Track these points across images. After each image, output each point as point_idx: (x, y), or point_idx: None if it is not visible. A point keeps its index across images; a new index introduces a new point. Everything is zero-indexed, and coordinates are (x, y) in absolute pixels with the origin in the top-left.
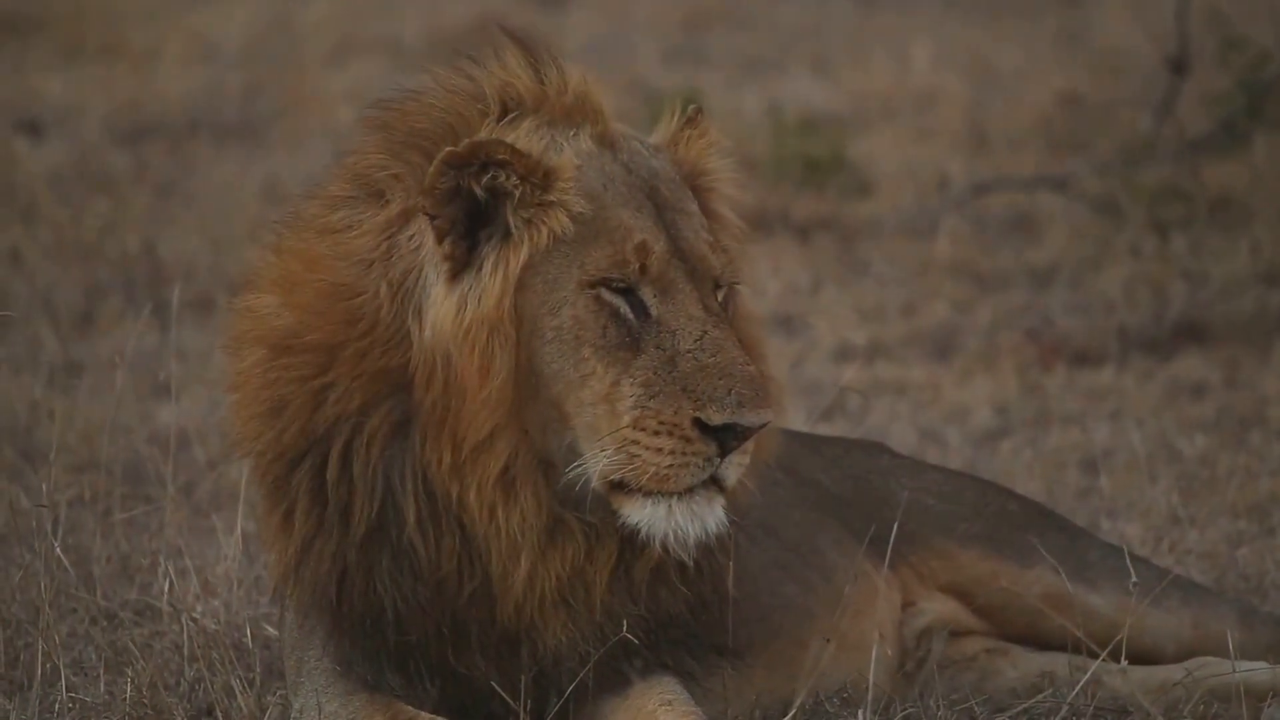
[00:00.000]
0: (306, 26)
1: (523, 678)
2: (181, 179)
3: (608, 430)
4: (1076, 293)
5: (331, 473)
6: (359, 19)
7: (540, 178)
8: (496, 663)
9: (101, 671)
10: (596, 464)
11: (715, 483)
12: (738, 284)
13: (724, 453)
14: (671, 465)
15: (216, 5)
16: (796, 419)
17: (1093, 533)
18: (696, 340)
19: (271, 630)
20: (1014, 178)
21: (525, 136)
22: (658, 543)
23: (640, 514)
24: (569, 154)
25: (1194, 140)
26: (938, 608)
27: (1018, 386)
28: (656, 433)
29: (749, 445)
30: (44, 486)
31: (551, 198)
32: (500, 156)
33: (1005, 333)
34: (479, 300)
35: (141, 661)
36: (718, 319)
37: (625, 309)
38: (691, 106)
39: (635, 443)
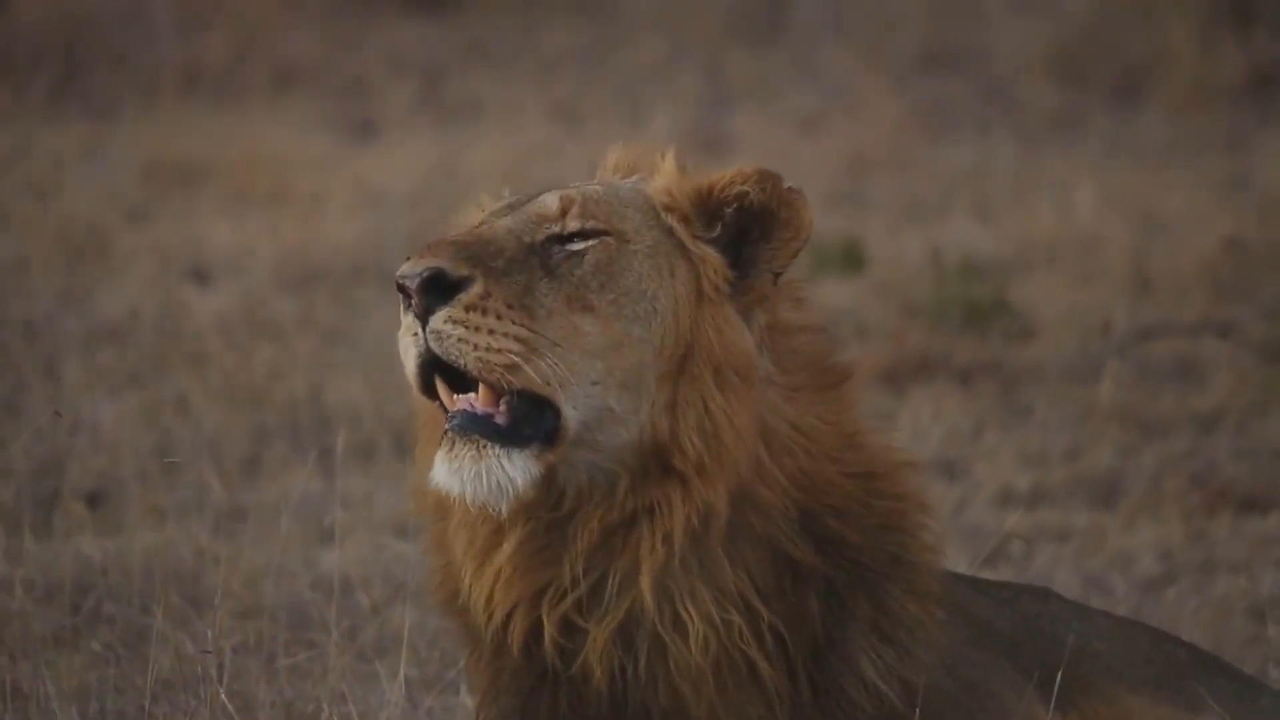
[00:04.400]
0: (472, 171)
1: None
2: (347, 325)
3: None
4: (1242, 438)
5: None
6: (523, 162)
7: None
8: None
9: None
10: None
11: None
12: (583, 238)
13: (421, 317)
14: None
15: (383, 151)
16: (959, 564)
17: (1262, 681)
18: None
19: None
20: (1178, 323)
21: None
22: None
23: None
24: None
25: None
26: None
27: (1183, 533)
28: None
29: (455, 313)
30: (209, 632)
31: None
32: None
33: (1170, 478)
34: None
35: None
36: (470, 232)
37: None
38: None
39: None
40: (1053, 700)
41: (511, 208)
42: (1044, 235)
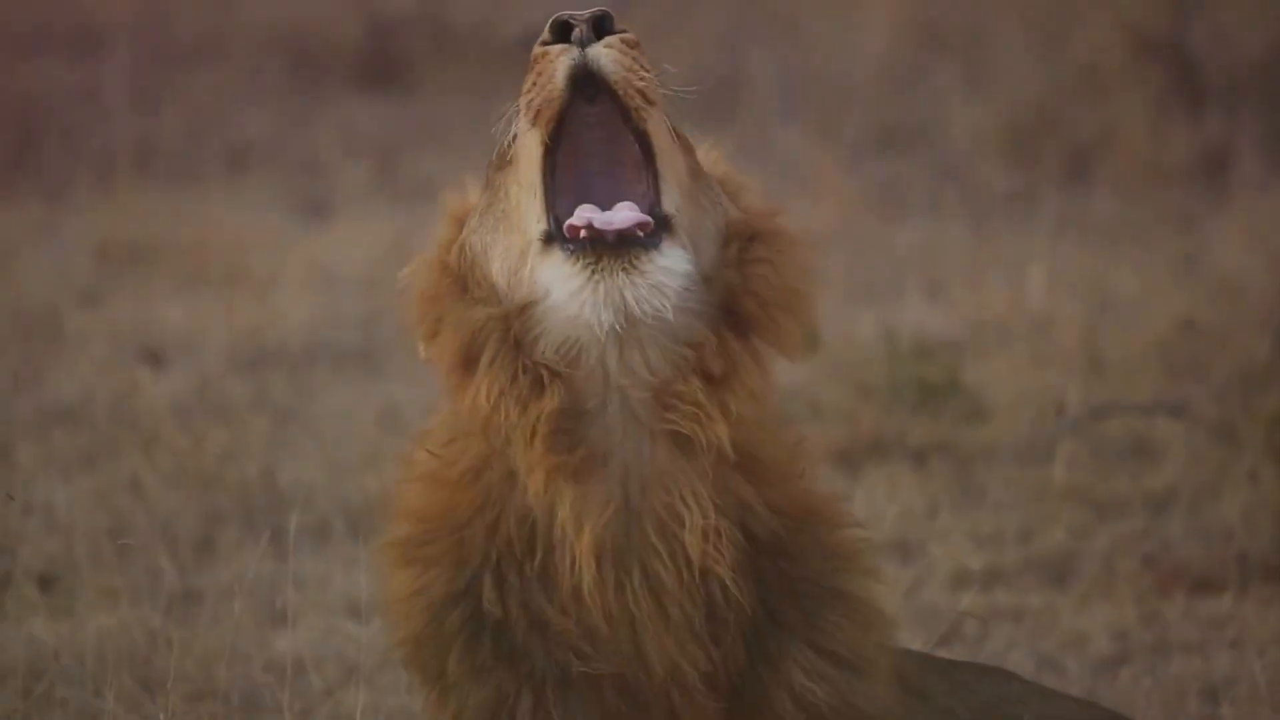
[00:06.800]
0: None
1: None
2: (300, 406)
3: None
4: (1195, 519)
5: (485, 602)
6: None
7: None
8: None
9: None
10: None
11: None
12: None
13: (582, 44)
14: (532, 89)
15: (337, 231)
16: (913, 646)
17: None
18: None
19: None
20: (1131, 403)
21: None
22: (574, 321)
23: (550, 271)
24: None
25: None
26: None
27: (1136, 614)
28: (526, 98)
29: (613, 40)
30: (161, 716)
31: None
32: None
33: (1123, 559)
34: None
35: None
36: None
37: None
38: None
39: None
40: None
41: None
42: (997, 315)
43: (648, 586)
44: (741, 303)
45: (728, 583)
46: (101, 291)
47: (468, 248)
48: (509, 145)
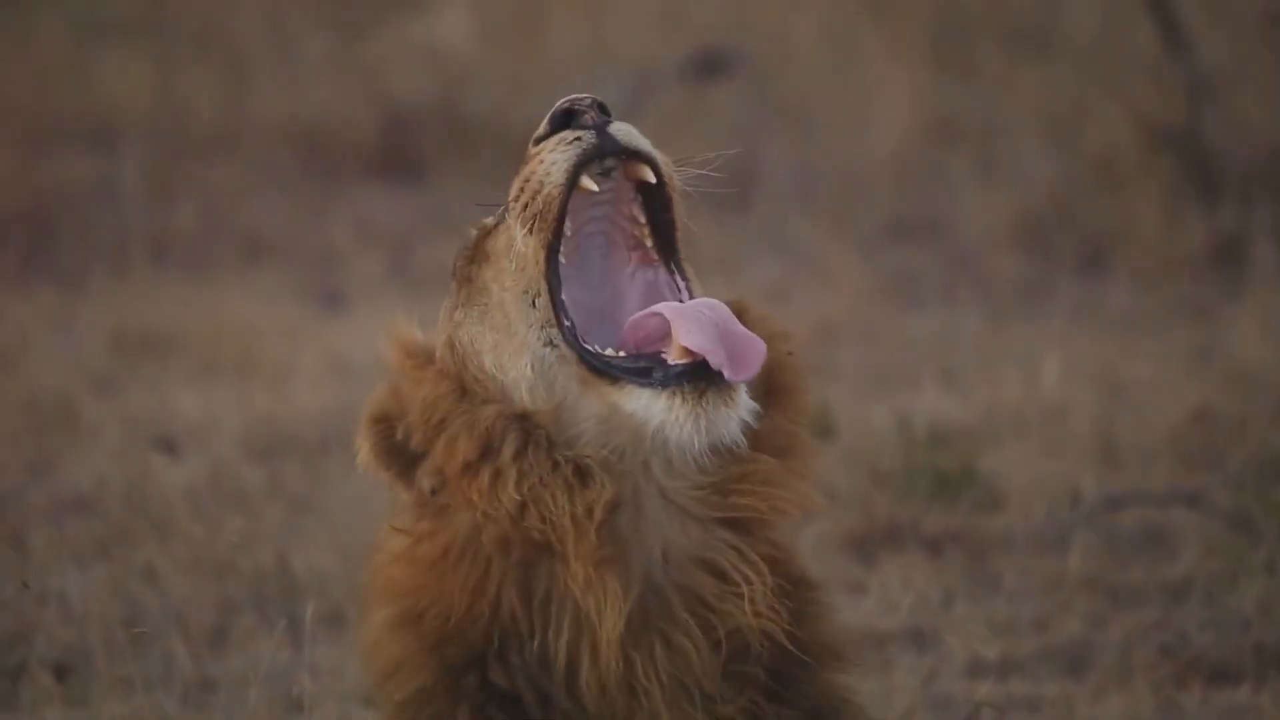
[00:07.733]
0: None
1: None
2: (315, 494)
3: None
4: (1211, 609)
5: (492, 674)
6: None
7: None
8: None
9: None
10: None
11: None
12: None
13: (598, 127)
14: (523, 192)
15: (351, 321)
16: None
17: None
18: None
19: None
20: (1146, 493)
21: None
22: (670, 444)
23: (628, 402)
24: None
25: None
26: None
27: (1153, 704)
28: (519, 201)
29: (628, 124)
30: None
31: None
32: None
33: (1139, 649)
34: None
35: None
36: None
37: None
38: None
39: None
40: None
41: None
42: (1011, 404)
43: (669, 661)
44: (783, 381)
45: (779, 638)
46: (116, 380)
47: (457, 344)
48: (481, 238)
